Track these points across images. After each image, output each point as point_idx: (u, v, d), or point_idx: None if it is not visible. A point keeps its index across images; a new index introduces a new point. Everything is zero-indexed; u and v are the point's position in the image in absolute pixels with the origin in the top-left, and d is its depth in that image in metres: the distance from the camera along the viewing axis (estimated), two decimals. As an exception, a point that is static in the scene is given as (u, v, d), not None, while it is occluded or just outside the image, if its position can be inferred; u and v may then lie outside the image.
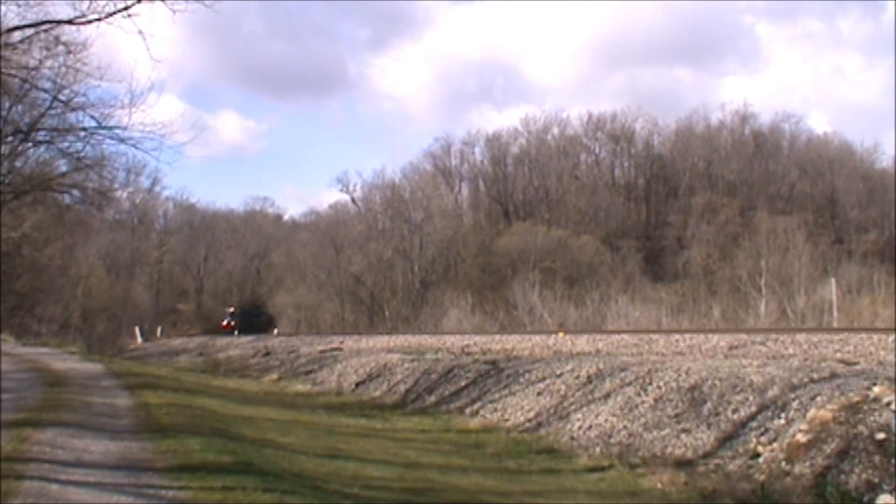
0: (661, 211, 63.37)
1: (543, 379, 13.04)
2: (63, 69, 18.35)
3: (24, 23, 16.08)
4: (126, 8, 14.61)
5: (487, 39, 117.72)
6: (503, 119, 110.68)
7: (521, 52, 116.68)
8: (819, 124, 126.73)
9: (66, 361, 21.97)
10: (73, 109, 19.86)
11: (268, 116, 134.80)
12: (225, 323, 57.32)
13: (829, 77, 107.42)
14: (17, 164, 22.93)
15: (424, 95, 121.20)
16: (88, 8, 14.93)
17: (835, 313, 29.33)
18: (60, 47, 17.39)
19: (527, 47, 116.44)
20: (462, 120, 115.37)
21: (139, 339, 47.75)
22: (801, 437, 7.71)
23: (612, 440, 9.88)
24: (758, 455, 8.02)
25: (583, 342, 18.98)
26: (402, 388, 16.20)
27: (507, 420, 12.07)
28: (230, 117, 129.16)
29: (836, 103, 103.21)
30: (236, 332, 47.59)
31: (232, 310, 59.43)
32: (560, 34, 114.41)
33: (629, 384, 11.17)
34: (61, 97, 19.37)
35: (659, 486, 7.98)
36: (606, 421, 10.46)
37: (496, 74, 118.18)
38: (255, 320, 57.46)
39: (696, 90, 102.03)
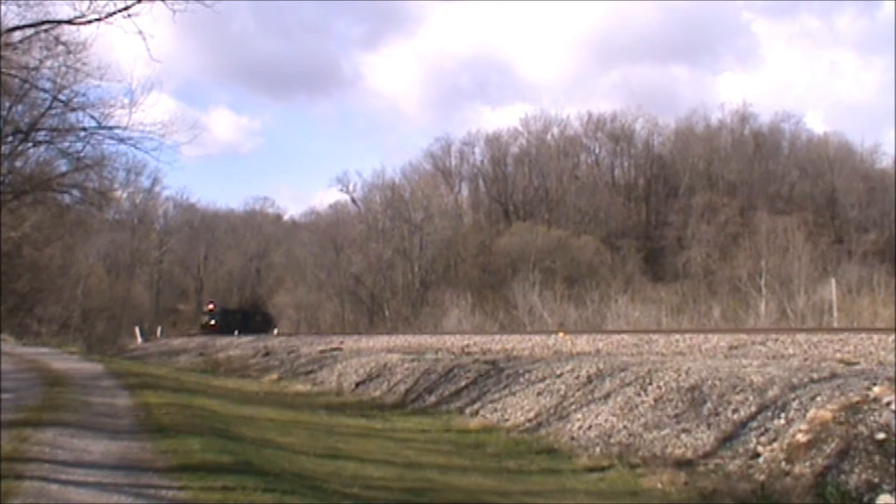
0: (661, 211, 63.33)
1: (543, 379, 13.04)
2: (63, 69, 18.39)
3: (24, 23, 16.13)
4: (126, 8, 14.67)
5: (481, 37, 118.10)
6: (498, 117, 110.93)
7: (515, 49, 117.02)
8: (815, 122, 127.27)
9: (66, 361, 21.98)
10: (73, 109, 19.91)
11: (262, 114, 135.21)
12: (204, 322, 53.63)
13: (825, 75, 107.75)
14: (17, 164, 22.94)
15: (418, 93, 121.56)
16: (88, 8, 14.99)
17: (835, 313, 29.27)
18: (60, 47, 17.43)
19: (521, 45, 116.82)
20: (456, 118, 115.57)
21: (139, 339, 47.70)
22: (801, 437, 7.71)
23: (612, 440, 9.88)
24: (758, 455, 8.02)
25: (583, 342, 18.97)
26: (402, 388, 16.19)
27: (507, 420, 12.07)
28: (224, 115, 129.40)
29: (832, 101, 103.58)
30: (236, 332, 47.23)
31: (211, 307, 55.49)
32: (554, 31, 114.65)
33: (629, 384, 11.16)
34: (61, 97, 19.42)
35: (659, 486, 7.98)
36: (606, 421, 10.46)
37: (490, 72, 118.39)
38: (232, 319, 53.14)
39: (692, 88, 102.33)
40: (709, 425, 9.12)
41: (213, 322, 52.69)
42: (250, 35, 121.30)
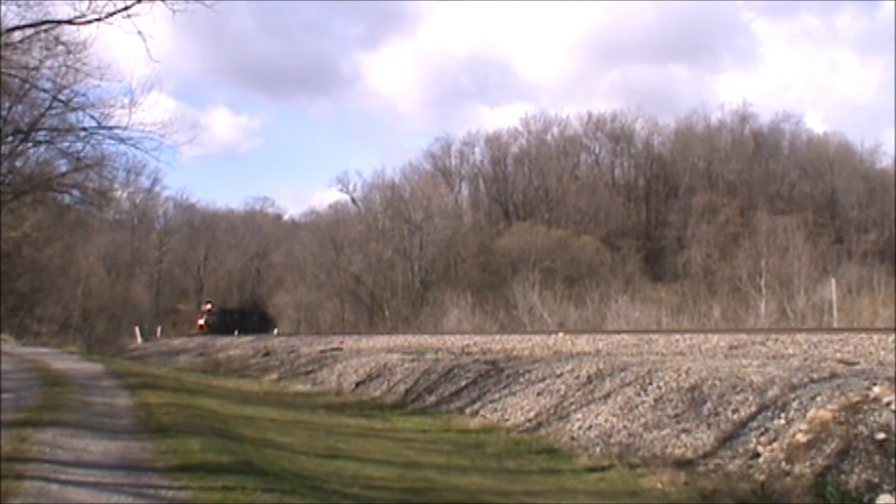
0: (661, 211, 63.38)
1: (543, 379, 13.04)
2: (63, 69, 18.43)
3: (24, 23, 16.16)
4: (126, 8, 14.70)
5: (480, 36, 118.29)
6: (496, 116, 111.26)
7: (514, 49, 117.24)
8: (815, 122, 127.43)
9: (65, 361, 21.97)
10: (73, 109, 19.96)
11: (261, 114, 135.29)
12: (202, 322, 53.28)
13: (824, 75, 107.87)
14: (17, 164, 22.97)
15: (417, 93, 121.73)
16: (88, 8, 15.02)
17: (835, 313, 29.27)
18: (60, 47, 17.47)
19: (520, 44, 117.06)
20: (455, 118, 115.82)
21: (139, 339, 47.67)
22: (801, 437, 7.71)
23: (612, 440, 9.88)
24: (758, 455, 8.02)
25: (583, 342, 18.97)
26: (402, 388, 16.19)
27: (507, 420, 12.07)
28: (222, 114, 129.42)
29: (832, 101, 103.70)
30: (236, 332, 47.12)
31: (209, 307, 55.19)
32: (553, 31, 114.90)
33: (629, 384, 11.16)
34: (61, 97, 19.46)
35: (659, 486, 7.98)
36: (606, 421, 10.46)
37: (489, 71, 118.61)
38: (230, 319, 52.59)
39: (691, 87, 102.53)
40: (709, 425, 9.12)
41: (209, 322, 52.53)
42: (249, 34, 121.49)
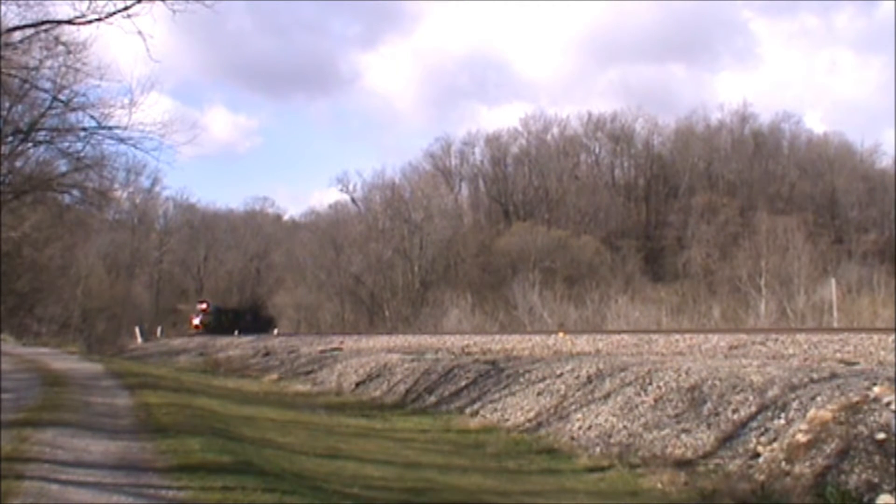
0: (661, 211, 63.36)
1: (543, 379, 13.04)
2: (63, 69, 18.41)
3: (24, 23, 16.13)
4: (126, 8, 14.68)
5: (478, 35, 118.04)
6: (495, 116, 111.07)
7: (512, 48, 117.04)
8: (814, 121, 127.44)
9: (65, 361, 21.98)
10: (73, 109, 19.93)
11: (259, 113, 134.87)
12: (197, 322, 52.00)
13: (823, 74, 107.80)
14: (17, 164, 22.94)
15: (415, 92, 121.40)
16: (88, 8, 15.00)
17: (835, 313, 29.25)
18: (60, 47, 17.44)
19: (518, 43, 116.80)
20: (454, 117, 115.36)
21: (139, 339, 47.64)
22: (801, 437, 7.71)
23: (612, 440, 9.88)
24: (758, 455, 8.02)
25: (583, 342, 18.97)
26: (402, 388, 16.20)
27: (507, 420, 12.07)
28: (220, 114, 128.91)
29: (831, 100, 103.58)
30: (236, 332, 46.97)
31: (204, 306, 53.71)
32: (551, 30, 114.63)
33: (629, 384, 11.16)
34: (61, 97, 19.44)
35: (659, 486, 7.98)
36: (606, 421, 10.46)
37: (488, 71, 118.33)
38: (225, 318, 51.59)
39: (690, 87, 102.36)
40: (709, 425, 9.12)
41: (204, 322, 52.01)
42: (247, 34, 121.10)
